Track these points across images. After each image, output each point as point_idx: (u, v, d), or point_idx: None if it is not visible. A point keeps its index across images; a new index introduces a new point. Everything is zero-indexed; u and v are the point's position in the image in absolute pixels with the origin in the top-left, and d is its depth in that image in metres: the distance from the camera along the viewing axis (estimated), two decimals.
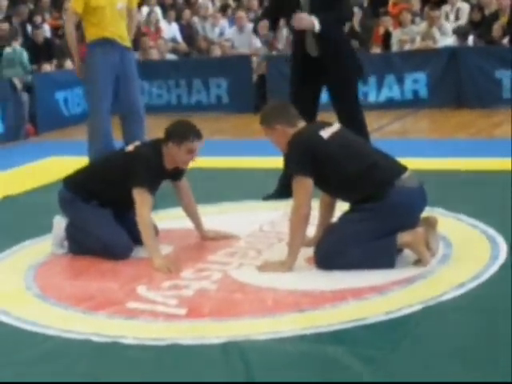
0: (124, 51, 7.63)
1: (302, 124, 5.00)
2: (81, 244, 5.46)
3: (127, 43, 7.66)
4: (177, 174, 5.59)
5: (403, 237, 4.73)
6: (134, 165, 5.30)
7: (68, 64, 12.69)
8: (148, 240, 5.20)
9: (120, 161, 5.51)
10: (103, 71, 7.51)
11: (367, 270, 4.74)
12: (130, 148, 5.54)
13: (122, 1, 7.53)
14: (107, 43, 7.50)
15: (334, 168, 4.78)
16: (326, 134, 4.87)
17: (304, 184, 4.76)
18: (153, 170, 5.34)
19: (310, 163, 4.76)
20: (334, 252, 4.76)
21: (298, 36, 6.45)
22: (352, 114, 6.44)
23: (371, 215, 4.73)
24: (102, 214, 5.40)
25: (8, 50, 12.39)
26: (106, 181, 5.45)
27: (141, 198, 5.24)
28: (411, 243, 4.73)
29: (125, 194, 5.25)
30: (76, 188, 5.49)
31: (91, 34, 7.54)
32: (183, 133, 5.35)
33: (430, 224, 4.88)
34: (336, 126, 5.09)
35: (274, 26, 6.86)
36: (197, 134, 5.39)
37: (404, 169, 4.92)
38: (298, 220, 4.81)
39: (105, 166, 5.69)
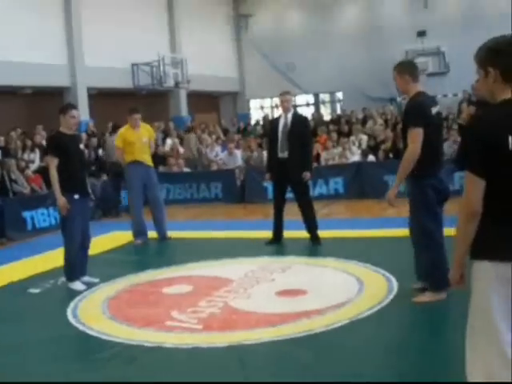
0: (148, 168, 7.79)
1: (420, 85, 4.40)
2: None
3: (150, 163, 7.80)
4: (77, 136, 5.85)
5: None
6: None
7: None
8: (55, 185, 5.39)
9: None
10: (135, 181, 7.69)
11: (315, 298, 4.74)
12: None
13: (146, 137, 7.72)
14: (137, 164, 7.66)
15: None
16: (434, 110, 4.30)
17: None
18: (52, 142, 5.57)
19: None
20: None
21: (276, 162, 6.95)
22: (308, 203, 7.06)
23: None
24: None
25: None
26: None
27: (48, 161, 5.53)
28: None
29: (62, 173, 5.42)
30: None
31: (128, 158, 7.68)
32: (64, 108, 5.59)
33: None
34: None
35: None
36: (71, 107, 5.68)
37: None
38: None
39: None
